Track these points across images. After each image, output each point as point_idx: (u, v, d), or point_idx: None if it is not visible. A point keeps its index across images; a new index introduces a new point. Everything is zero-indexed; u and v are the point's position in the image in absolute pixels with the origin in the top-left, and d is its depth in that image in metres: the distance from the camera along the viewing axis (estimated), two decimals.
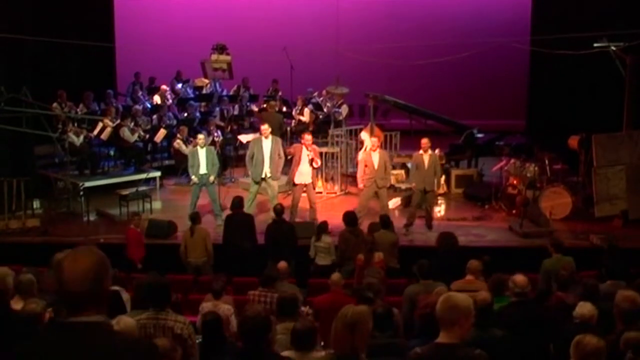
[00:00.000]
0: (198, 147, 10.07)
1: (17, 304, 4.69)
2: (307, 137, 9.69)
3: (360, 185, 10.01)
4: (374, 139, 9.95)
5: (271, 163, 9.91)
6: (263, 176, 9.97)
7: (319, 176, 11.43)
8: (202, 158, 10.00)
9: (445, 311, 3.14)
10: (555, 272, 6.73)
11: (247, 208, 10.01)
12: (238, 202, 8.93)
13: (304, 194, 9.99)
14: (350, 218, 8.63)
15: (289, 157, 10.08)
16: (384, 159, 9.84)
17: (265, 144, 9.95)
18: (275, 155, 9.93)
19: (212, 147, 10.46)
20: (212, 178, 9.97)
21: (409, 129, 13.20)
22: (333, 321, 3.33)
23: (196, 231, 8.59)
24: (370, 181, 9.75)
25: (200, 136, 10.25)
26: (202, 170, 9.98)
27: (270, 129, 10.00)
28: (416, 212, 9.91)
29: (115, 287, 5.76)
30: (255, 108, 14.19)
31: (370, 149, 9.91)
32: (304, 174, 9.77)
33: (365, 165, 9.81)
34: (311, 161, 9.67)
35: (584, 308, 4.90)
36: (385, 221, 8.68)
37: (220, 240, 9.07)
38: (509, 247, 9.48)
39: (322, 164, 10.95)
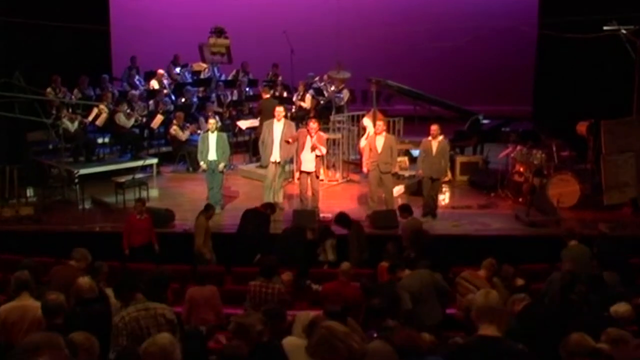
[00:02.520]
0: (209, 132, 9.99)
1: (25, 300, 4.69)
2: (313, 125, 9.58)
3: (365, 170, 9.95)
4: (380, 122, 9.87)
5: (282, 147, 9.84)
6: (273, 160, 9.88)
7: (323, 163, 11.35)
8: (212, 144, 9.90)
9: (487, 306, 3.27)
10: (579, 260, 6.70)
11: (268, 196, 9.93)
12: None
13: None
14: (344, 219, 8.52)
15: (292, 142, 9.97)
16: (390, 143, 9.75)
17: (276, 127, 9.88)
18: (286, 139, 9.85)
19: (224, 133, 10.36)
20: (221, 166, 9.91)
21: (412, 114, 13.10)
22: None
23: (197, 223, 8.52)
24: (373, 165, 9.67)
25: (212, 121, 10.21)
26: (211, 156, 9.90)
27: (284, 111, 9.95)
28: (430, 200, 9.85)
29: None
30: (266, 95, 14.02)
31: (375, 132, 9.82)
32: (306, 161, 9.69)
33: (370, 149, 9.73)
34: (313, 148, 9.57)
35: (621, 307, 4.88)
36: (407, 208, 8.66)
37: (219, 230, 9.04)
38: (515, 236, 9.42)
39: (327, 151, 10.82)
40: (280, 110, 9.93)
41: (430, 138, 9.74)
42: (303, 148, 9.62)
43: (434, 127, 9.72)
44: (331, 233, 8.58)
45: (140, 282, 4.80)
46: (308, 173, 9.72)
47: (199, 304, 5.92)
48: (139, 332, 4.27)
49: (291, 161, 10.65)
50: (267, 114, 10.79)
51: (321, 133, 9.92)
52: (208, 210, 8.61)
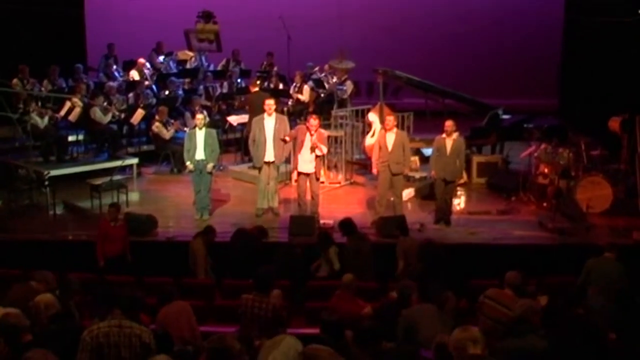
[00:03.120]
0: (196, 129, 9.99)
1: None
2: (313, 122, 9.55)
3: (374, 171, 9.95)
4: (390, 117, 9.88)
5: (275, 145, 9.84)
6: (266, 160, 9.89)
7: (323, 164, 11.37)
8: (199, 141, 9.88)
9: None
10: (598, 273, 6.69)
11: (262, 202, 9.97)
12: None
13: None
14: (347, 226, 8.51)
15: (289, 141, 9.97)
16: (401, 140, 9.76)
17: (268, 123, 9.85)
18: (279, 135, 9.85)
19: (213, 130, 10.35)
20: (210, 166, 9.90)
21: (423, 109, 13.12)
22: None
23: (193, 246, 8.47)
24: (383, 166, 9.68)
25: (199, 116, 10.14)
26: (199, 155, 9.88)
27: (274, 105, 9.93)
28: (444, 205, 9.87)
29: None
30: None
31: (385, 128, 9.83)
32: (305, 161, 9.69)
33: (380, 148, 9.75)
34: (313, 148, 9.57)
35: None
36: (403, 226, 8.66)
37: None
38: (539, 245, 9.43)
39: (328, 150, 10.82)
40: (270, 103, 9.90)
41: (443, 135, 9.76)
42: (302, 147, 9.62)
43: (448, 123, 9.73)
44: (332, 241, 8.56)
45: (119, 297, 4.82)
46: (307, 175, 9.73)
47: (170, 322, 5.84)
48: (105, 350, 4.28)
49: (287, 161, 10.67)
50: (256, 109, 10.78)
51: (322, 130, 9.93)
52: (208, 233, 8.51)
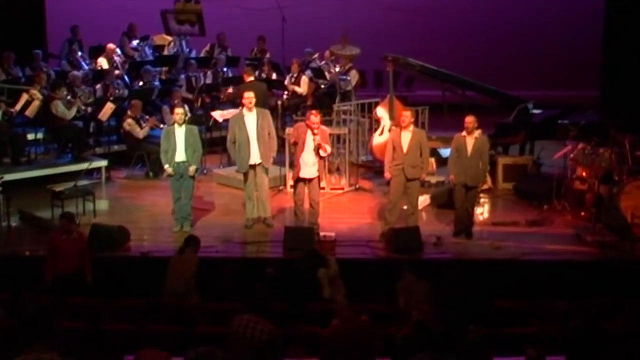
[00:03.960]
0: (175, 126, 10.04)
1: None
2: (314, 119, 9.56)
3: (387, 176, 9.98)
4: (407, 113, 9.88)
5: (260, 145, 9.89)
6: (252, 163, 9.94)
7: (324, 167, 11.42)
8: (180, 141, 9.91)
9: None
10: None
11: (253, 211, 10.04)
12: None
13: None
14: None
15: (292, 142, 10.02)
16: (419, 140, 9.78)
17: (249, 120, 9.88)
18: (264, 133, 9.88)
19: (195, 127, 10.37)
20: (192, 169, 9.94)
21: (440, 103, 13.18)
22: None
23: (185, 258, 8.50)
24: (397, 170, 9.72)
25: (179, 111, 10.12)
26: (179, 157, 9.90)
27: (255, 98, 9.93)
28: (465, 214, 9.91)
29: None
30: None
31: (401, 126, 9.86)
32: (308, 165, 9.69)
33: (394, 149, 9.82)
34: (317, 148, 9.61)
35: None
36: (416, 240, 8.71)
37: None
38: (576, 261, 9.45)
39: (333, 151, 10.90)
40: (250, 96, 9.87)
41: (464, 133, 9.81)
42: (303, 149, 9.66)
43: (470, 120, 9.78)
44: (322, 261, 8.45)
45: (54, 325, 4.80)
46: (309, 180, 9.77)
47: None
48: None
49: (279, 163, 10.70)
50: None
51: (324, 128, 9.97)
52: (196, 245, 8.57)
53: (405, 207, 9.92)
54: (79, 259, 8.50)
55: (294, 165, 9.96)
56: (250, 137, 9.82)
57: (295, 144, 9.73)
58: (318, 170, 9.75)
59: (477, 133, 9.82)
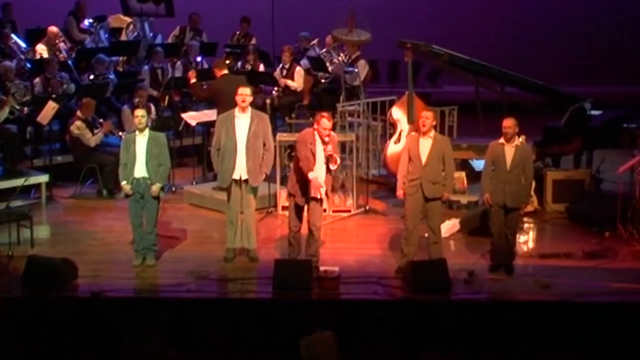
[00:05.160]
0: (136, 132, 10.03)
1: None
2: (326, 124, 9.51)
3: (399, 194, 9.99)
4: (427, 114, 9.86)
5: (249, 156, 9.91)
6: (236, 177, 9.96)
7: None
8: (142, 151, 9.91)
9: None
10: None
11: (234, 239, 10.04)
12: None
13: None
14: None
15: (292, 154, 10.05)
16: (441, 149, 9.75)
17: (240, 123, 9.87)
18: (257, 142, 9.87)
19: (161, 134, 10.30)
20: (155, 188, 9.94)
21: (472, 101, 13.23)
22: None
23: None
24: (413, 186, 9.69)
25: (139, 112, 10.08)
26: (140, 172, 9.89)
27: (250, 96, 9.95)
28: (504, 243, 9.90)
29: None
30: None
31: (418, 131, 9.87)
32: (320, 181, 9.64)
33: (410, 159, 9.84)
34: (328, 159, 9.59)
35: None
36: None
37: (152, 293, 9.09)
38: None
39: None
40: (245, 93, 9.91)
41: (502, 140, 9.82)
42: (314, 162, 9.60)
43: (509, 123, 9.77)
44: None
45: None
46: (317, 200, 9.80)
47: None
48: None
49: (267, 178, 10.73)
50: (226, 102, 10.83)
51: (332, 133, 9.92)
52: None
53: (426, 235, 9.93)
54: None
55: (294, 184, 9.83)
56: (238, 144, 9.82)
57: (299, 157, 9.72)
58: (326, 185, 9.72)
59: (519, 140, 9.83)
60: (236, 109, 9.91)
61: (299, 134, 10.16)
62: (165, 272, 9.86)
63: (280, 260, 9.75)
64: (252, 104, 10.12)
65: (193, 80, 12.53)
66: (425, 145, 9.69)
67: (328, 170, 9.71)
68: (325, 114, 9.75)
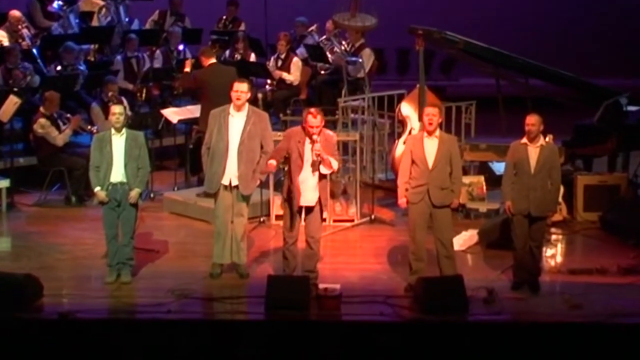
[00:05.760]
0: (110, 131, 10.00)
1: None
2: (313, 120, 9.51)
3: (402, 203, 9.96)
4: (432, 110, 9.86)
5: (242, 160, 9.89)
6: (225, 182, 9.95)
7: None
8: (118, 153, 9.90)
9: None
10: None
11: (222, 253, 10.03)
12: None
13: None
14: None
15: (270, 170, 9.97)
16: (448, 150, 9.73)
17: (235, 121, 9.88)
18: (252, 144, 9.86)
19: (138, 133, 10.29)
20: (134, 193, 9.93)
21: (493, 96, 13.23)
22: None
23: None
24: (418, 193, 9.68)
25: (116, 109, 10.03)
26: (117, 176, 9.88)
27: (248, 92, 9.91)
28: (528, 258, 9.87)
29: None
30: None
31: (424, 129, 9.84)
32: (309, 188, 9.63)
33: (413, 163, 9.86)
34: (318, 162, 9.53)
35: None
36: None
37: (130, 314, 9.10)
38: None
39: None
40: (241, 89, 9.87)
41: (524, 140, 9.82)
42: (302, 165, 9.61)
43: (532, 120, 9.73)
44: None
45: None
46: (307, 209, 9.79)
47: None
48: None
49: (261, 184, 10.72)
50: (214, 96, 10.85)
51: (328, 132, 9.90)
52: None
53: (435, 248, 9.87)
54: None
55: (289, 190, 9.81)
56: (230, 146, 9.82)
57: (287, 157, 9.74)
58: (321, 192, 9.65)
59: (544, 140, 9.82)
60: (231, 106, 9.90)
61: (286, 132, 10.14)
62: (142, 290, 9.85)
63: (273, 276, 9.73)
64: (249, 101, 10.10)
65: (187, 69, 12.54)
66: (431, 147, 9.64)
67: (320, 173, 9.62)
68: (312, 110, 9.66)
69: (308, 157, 9.56)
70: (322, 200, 9.72)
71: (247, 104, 9.93)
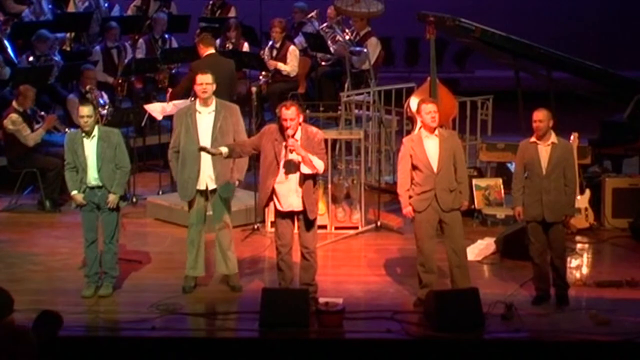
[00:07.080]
0: (82, 133, 9.96)
1: None
2: (286, 111, 9.42)
3: (408, 212, 9.98)
4: (432, 106, 9.79)
5: (217, 159, 9.81)
6: (200, 187, 9.99)
7: (324, 192, 11.45)
8: (91, 157, 9.92)
9: None
10: None
11: (195, 265, 10.11)
12: None
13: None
14: None
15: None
16: (452, 148, 9.74)
17: (203, 119, 9.91)
18: (226, 140, 9.83)
19: (116, 132, 10.30)
20: (112, 198, 9.95)
21: (512, 89, 13.25)
22: None
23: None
24: (424, 200, 9.69)
25: (86, 110, 9.97)
26: (92, 179, 9.92)
27: (212, 84, 9.91)
28: (547, 268, 9.86)
29: None
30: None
31: (426, 128, 9.82)
32: (289, 191, 9.59)
33: (414, 167, 9.86)
34: (298, 161, 9.46)
35: None
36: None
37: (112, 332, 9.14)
38: None
39: (328, 166, 10.87)
40: (205, 80, 9.83)
41: (533, 139, 9.83)
42: (278, 166, 9.59)
43: (540, 115, 9.63)
44: None
45: None
46: (294, 214, 9.81)
47: None
48: None
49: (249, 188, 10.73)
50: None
51: (310, 128, 9.83)
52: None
53: (448, 257, 9.88)
54: None
55: (264, 195, 9.73)
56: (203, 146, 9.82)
57: (257, 156, 9.77)
58: (305, 198, 9.52)
59: (555, 138, 9.77)
60: (197, 102, 9.91)
61: (261, 131, 9.99)
62: (124, 304, 9.90)
63: (268, 289, 9.76)
64: (237, 94, 10.10)
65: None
66: (432, 147, 9.62)
67: (301, 174, 9.51)
68: (287, 102, 9.64)
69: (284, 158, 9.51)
70: (307, 206, 9.56)
71: (214, 98, 9.93)
